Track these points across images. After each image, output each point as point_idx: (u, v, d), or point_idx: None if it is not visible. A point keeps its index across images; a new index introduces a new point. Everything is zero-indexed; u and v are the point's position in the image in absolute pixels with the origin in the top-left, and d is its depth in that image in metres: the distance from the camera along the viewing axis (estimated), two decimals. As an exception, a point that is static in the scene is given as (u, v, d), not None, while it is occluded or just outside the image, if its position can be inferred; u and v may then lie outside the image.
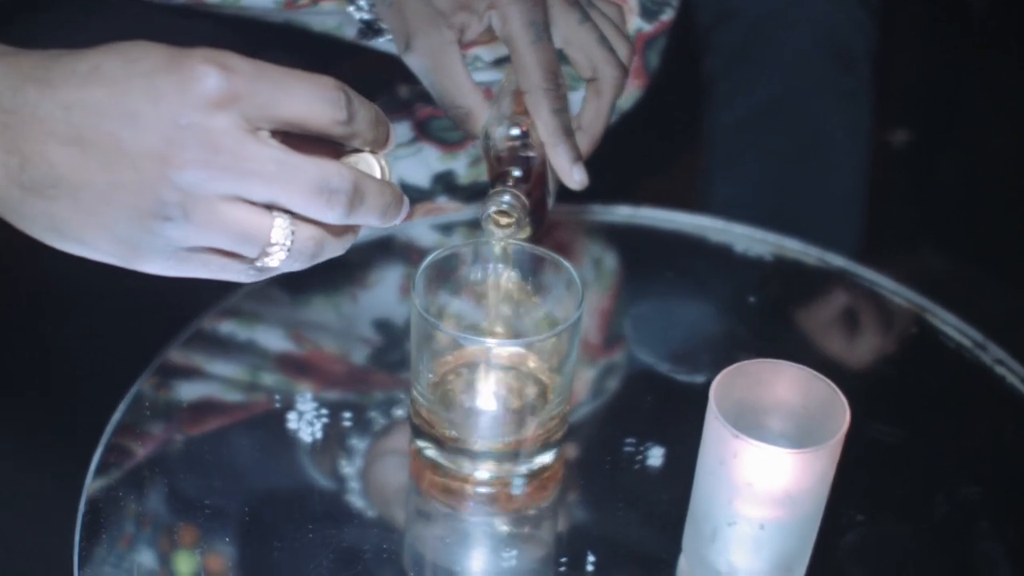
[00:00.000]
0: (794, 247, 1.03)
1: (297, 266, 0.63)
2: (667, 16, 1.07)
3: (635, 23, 1.05)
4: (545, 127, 0.80)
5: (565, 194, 0.84)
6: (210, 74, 0.58)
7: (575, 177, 0.81)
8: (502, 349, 0.79)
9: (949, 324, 0.94)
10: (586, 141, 0.84)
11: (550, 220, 0.99)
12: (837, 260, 1.01)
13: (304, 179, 0.60)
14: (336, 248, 0.64)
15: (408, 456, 0.84)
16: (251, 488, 0.83)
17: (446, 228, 1.06)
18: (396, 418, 0.88)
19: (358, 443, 0.86)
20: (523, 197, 0.77)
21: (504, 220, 0.78)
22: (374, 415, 0.88)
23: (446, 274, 0.80)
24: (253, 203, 0.60)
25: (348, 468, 0.84)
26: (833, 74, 1.35)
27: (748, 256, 1.04)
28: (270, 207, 0.60)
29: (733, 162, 1.41)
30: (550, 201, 0.83)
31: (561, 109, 0.80)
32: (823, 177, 1.37)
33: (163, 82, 0.58)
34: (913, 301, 0.97)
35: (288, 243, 0.61)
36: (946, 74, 1.69)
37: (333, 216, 0.61)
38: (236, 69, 0.59)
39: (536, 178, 0.80)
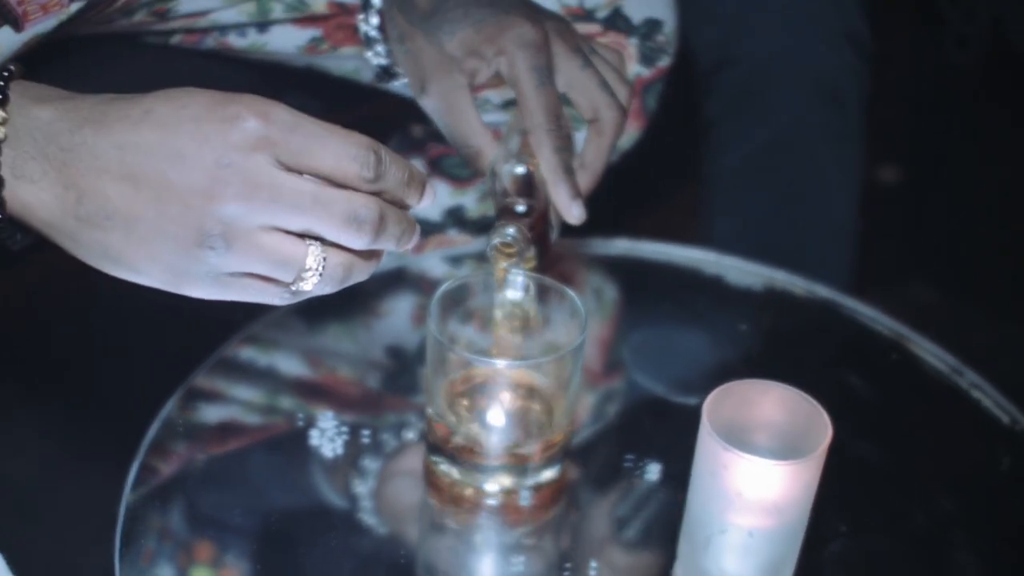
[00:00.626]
0: (783, 279, 1.08)
1: (328, 289, 0.68)
2: (664, 62, 1.11)
3: (634, 68, 1.09)
4: (547, 165, 0.84)
5: (568, 228, 0.88)
6: (250, 120, 0.63)
7: (574, 212, 0.85)
8: (511, 370, 0.84)
9: (928, 351, 0.99)
10: (588, 178, 0.89)
11: (554, 252, 1.04)
12: (823, 291, 1.06)
13: (335, 210, 0.65)
14: (363, 273, 0.69)
15: (420, 475, 0.88)
16: (269, 506, 0.87)
17: (456, 260, 1.11)
18: (408, 439, 0.92)
19: (372, 463, 0.90)
20: (526, 230, 0.82)
21: (508, 251, 0.83)
22: (387, 436, 0.92)
23: (458, 301, 0.85)
24: (289, 232, 0.65)
25: (362, 487, 0.88)
26: (826, 117, 1.39)
27: (739, 287, 1.08)
28: (304, 236, 0.66)
29: (732, 201, 1.45)
30: (553, 235, 0.88)
31: (563, 148, 0.84)
32: (817, 215, 1.41)
33: (208, 126, 0.64)
34: (894, 329, 1.02)
35: (320, 268, 0.66)
36: (934, 117, 1.73)
37: (360, 243, 0.66)
38: (275, 118, 0.64)
39: (539, 213, 0.85)
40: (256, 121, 0.64)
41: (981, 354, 1.00)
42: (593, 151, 0.88)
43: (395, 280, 1.08)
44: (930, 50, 1.65)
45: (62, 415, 1.10)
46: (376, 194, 0.67)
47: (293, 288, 0.67)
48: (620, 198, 1.14)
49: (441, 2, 0.89)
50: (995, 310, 1.66)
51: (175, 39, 1.03)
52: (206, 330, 0.98)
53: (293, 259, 0.65)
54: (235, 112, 0.64)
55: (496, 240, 0.82)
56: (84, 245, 0.66)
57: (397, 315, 1.06)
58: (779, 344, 1.04)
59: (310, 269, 0.66)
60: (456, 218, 1.14)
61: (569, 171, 0.84)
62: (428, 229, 1.14)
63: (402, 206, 0.69)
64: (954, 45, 1.58)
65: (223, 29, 1.02)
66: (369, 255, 0.69)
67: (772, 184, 1.40)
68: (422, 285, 1.08)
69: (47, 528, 1.02)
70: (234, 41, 1.03)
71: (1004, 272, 1.70)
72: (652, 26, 1.08)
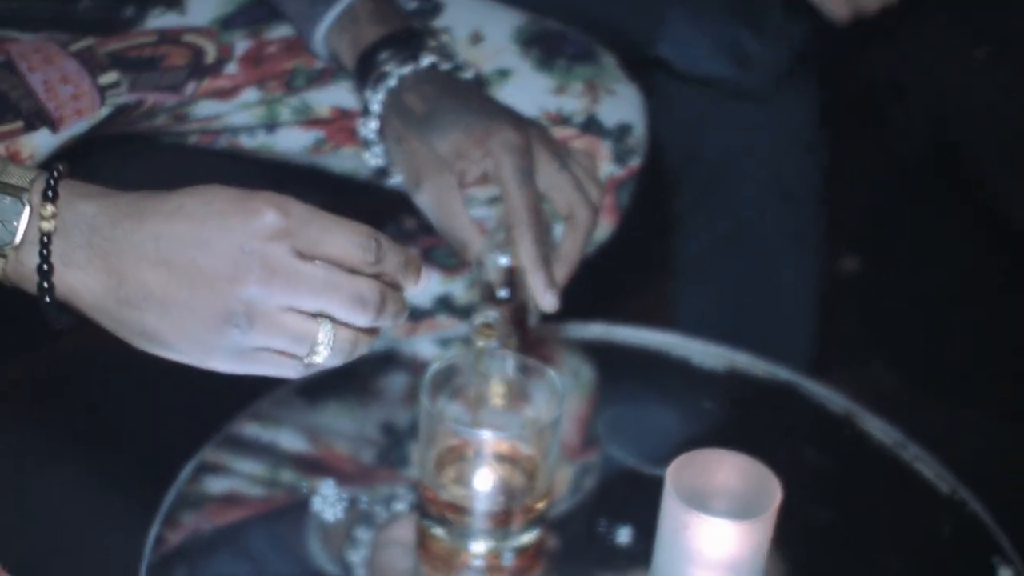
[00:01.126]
0: (744, 360, 1.15)
1: (337, 362, 0.75)
2: (635, 163, 1.18)
3: (608, 168, 1.16)
4: (527, 256, 0.92)
5: (547, 314, 0.95)
6: (269, 214, 0.71)
7: (548, 301, 0.92)
8: (495, 440, 0.92)
9: (876, 427, 1.07)
10: (564, 268, 0.96)
11: (534, 335, 1.11)
12: (781, 372, 1.14)
13: (344, 293, 0.73)
14: (366, 346, 0.76)
15: (410, 542, 0.95)
16: (269, 570, 0.94)
17: (445, 342, 1.18)
18: (398, 510, 0.99)
19: (365, 532, 0.97)
20: (507, 314, 0.91)
21: (489, 332, 0.91)
22: (379, 508, 0.99)
23: (447, 379, 0.92)
24: (303, 312, 0.73)
25: (355, 556, 0.95)
26: (782, 213, 1.48)
27: (703, 368, 1.15)
28: (316, 315, 0.73)
29: (697, 287, 1.53)
30: (531, 320, 0.95)
31: (541, 242, 0.92)
32: (775, 301, 1.49)
33: (232, 219, 0.71)
34: (845, 407, 1.10)
35: (331, 343, 0.74)
36: (889, 209, 1.82)
37: (365, 320, 0.74)
38: (291, 212, 0.72)
39: (519, 300, 0.94)
40: (275, 214, 0.71)
41: (937, 434, 1.08)
42: (568, 244, 0.96)
43: (388, 362, 1.15)
44: (879, 148, 1.74)
45: (91, 463, 1.16)
46: (377, 276, 0.74)
47: (306, 361, 0.74)
48: (596, 286, 1.21)
49: (434, 109, 0.97)
50: (950, 394, 1.72)
51: (191, 139, 1.13)
52: (216, 396, 1.06)
53: (307, 335, 0.73)
54: (256, 206, 0.72)
55: (479, 321, 0.90)
56: (123, 324, 0.73)
57: (390, 394, 1.12)
58: (739, 419, 1.12)
59: (322, 344, 0.73)
60: (445, 304, 1.21)
61: (546, 263, 0.92)
62: (419, 315, 1.21)
63: (398, 288, 0.77)
64: (900, 142, 1.68)
65: (235, 131, 1.12)
66: (371, 331, 0.76)
67: (733, 271, 1.49)
68: (413, 367, 1.15)
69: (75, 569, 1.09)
70: (245, 142, 1.12)
71: (960, 357, 1.76)
72: (623, 130, 1.17)
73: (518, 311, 0.93)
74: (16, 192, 0.72)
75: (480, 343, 0.91)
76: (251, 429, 1.06)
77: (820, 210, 1.50)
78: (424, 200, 0.97)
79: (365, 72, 1.00)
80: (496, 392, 0.94)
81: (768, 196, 1.47)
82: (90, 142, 1.03)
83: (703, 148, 1.51)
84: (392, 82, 0.98)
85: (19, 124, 0.97)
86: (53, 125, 0.98)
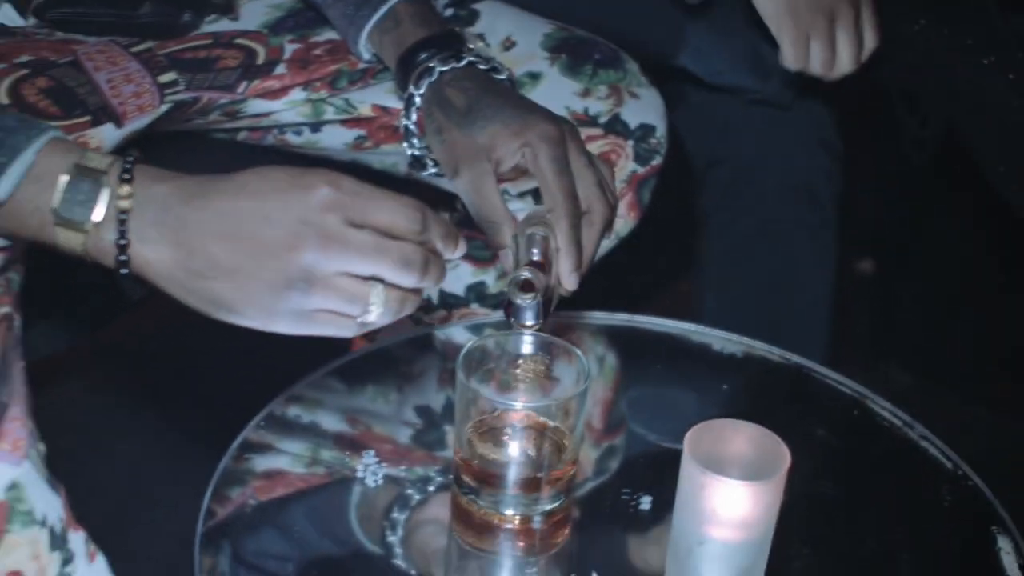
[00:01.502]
0: (760, 347, 1.20)
1: (388, 319, 0.82)
2: (656, 161, 1.25)
3: (630, 166, 1.22)
4: (562, 235, 0.97)
5: (574, 303, 1.01)
6: (323, 187, 0.79)
7: (571, 280, 0.97)
8: (525, 413, 0.97)
9: (885, 408, 1.12)
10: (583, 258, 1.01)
11: (564, 324, 1.17)
12: (795, 358, 1.19)
13: (392, 256, 0.80)
14: (412, 305, 0.84)
15: (445, 522, 0.99)
16: (310, 547, 0.99)
17: (477, 328, 1.23)
18: (433, 491, 1.04)
19: (401, 512, 1.01)
20: (540, 274, 0.95)
21: (528, 288, 0.95)
22: (414, 488, 1.04)
23: (481, 360, 0.97)
24: (356, 276, 0.80)
25: (392, 536, 1.00)
26: (802, 212, 1.54)
27: (723, 353, 1.20)
28: (368, 279, 0.80)
29: (722, 283, 1.58)
30: (554, 301, 0.99)
31: (576, 225, 0.97)
32: (792, 301, 1.54)
33: (290, 193, 0.79)
34: (855, 390, 1.15)
35: (382, 302, 0.81)
36: (903, 212, 1.87)
37: (411, 281, 0.81)
38: (343, 185, 0.80)
39: (545, 281, 0.97)
40: (328, 188, 0.79)
41: (944, 428, 1.12)
42: (585, 238, 1.00)
43: (423, 348, 1.20)
44: (891, 153, 1.79)
45: (151, 432, 1.23)
46: (420, 244, 0.82)
47: (360, 320, 0.82)
48: (621, 282, 1.26)
49: (474, 103, 1.03)
50: (964, 391, 1.78)
51: (241, 135, 1.20)
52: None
53: (360, 296, 0.81)
54: (311, 181, 0.80)
55: (521, 276, 0.95)
56: (193, 292, 0.81)
57: (426, 378, 1.18)
58: (755, 399, 1.17)
59: (374, 303, 0.81)
60: (478, 293, 1.29)
61: (578, 245, 0.97)
62: (453, 303, 1.28)
63: (438, 255, 0.84)
64: (912, 148, 1.73)
65: (282, 128, 1.19)
66: (416, 291, 0.84)
67: (753, 271, 1.54)
68: (448, 351, 1.20)
69: (141, 532, 1.15)
70: (291, 138, 1.20)
71: (973, 355, 1.82)
72: (645, 130, 1.23)
73: (545, 292, 0.98)
74: (96, 175, 0.79)
75: (519, 300, 0.95)
76: (292, 410, 1.11)
77: (837, 212, 1.55)
78: (461, 186, 1.02)
79: (407, 68, 1.06)
80: (526, 370, 0.99)
81: (788, 197, 1.53)
82: (149, 137, 1.11)
83: (726, 152, 1.56)
84: (434, 77, 1.04)
85: (87, 118, 1.04)
86: (117, 120, 1.06)
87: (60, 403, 1.29)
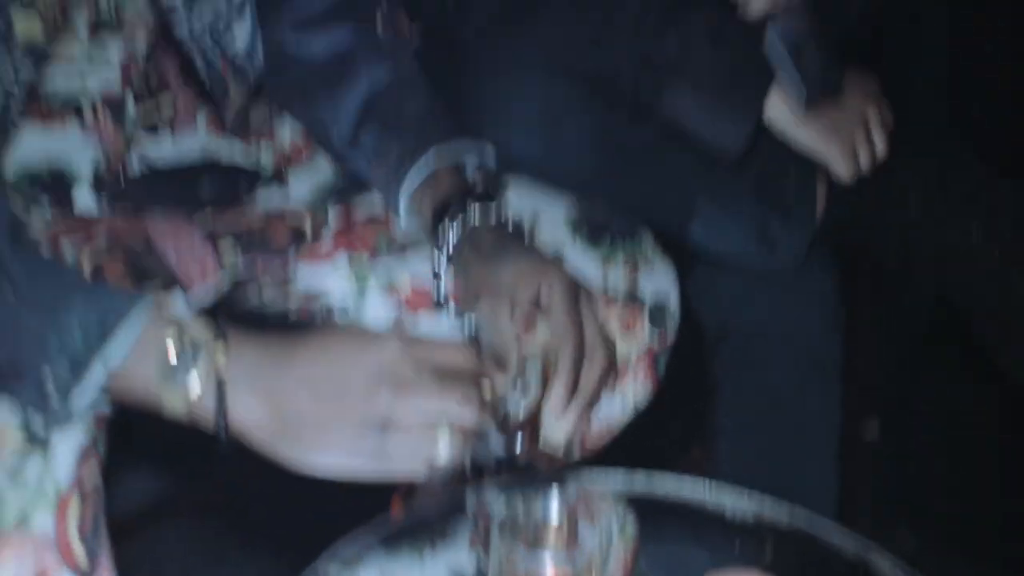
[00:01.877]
0: (770, 510, 1.25)
1: (453, 459, 0.92)
2: (670, 334, 1.33)
3: (645, 340, 1.31)
4: (563, 364, 1.09)
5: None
6: (393, 343, 0.91)
7: (559, 406, 1.10)
8: (554, 569, 1.02)
9: (888, 568, 1.20)
10: (580, 400, 1.13)
11: (582, 489, 1.23)
12: (802, 523, 1.24)
13: (456, 393, 0.91)
14: (470, 446, 0.94)
15: None
16: None
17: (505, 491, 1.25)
18: None
19: None
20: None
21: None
22: None
23: (512, 523, 1.04)
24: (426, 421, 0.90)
25: None
26: (808, 380, 1.62)
27: (735, 517, 1.26)
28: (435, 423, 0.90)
29: (734, 454, 1.66)
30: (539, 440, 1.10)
31: (578, 359, 1.09)
32: (801, 467, 1.61)
33: (367, 349, 0.91)
34: (859, 549, 1.20)
35: (448, 442, 0.91)
36: (906, 376, 1.94)
37: (472, 417, 0.92)
38: (407, 339, 0.91)
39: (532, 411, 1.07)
40: (396, 343, 0.91)
41: None
42: (584, 376, 1.12)
43: (456, 511, 1.20)
44: (892, 317, 1.87)
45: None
46: (480, 376, 0.93)
47: (429, 459, 0.91)
48: (638, 452, 1.33)
49: (500, 248, 1.16)
50: (974, 553, 1.83)
51: (291, 317, 1.31)
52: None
53: (431, 436, 0.90)
54: (383, 340, 0.92)
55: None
56: (282, 444, 0.90)
57: (457, 539, 1.19)
58: (765, 558, 1.22)
59: (442, 443, 0.91)
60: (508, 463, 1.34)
61: (575, 375, 1.09)
62: (481, 470, 1.34)
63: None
64: (907, 314, 1.81)
65: (330, 309, 1.30)
66: (475, 433, 0.93)
67: (762, 440, 1.62)
68: (476, 515, 1.19)
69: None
70: (338, 316, 1.31)
71: (985, 519, 1.88)
72: (659, 304, 1.33)
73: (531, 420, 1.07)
74: (195, 345, 0.89)
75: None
76: (333, 569, 1.13)
77: (842, 377, 1.63)
78: (479, 315, 1.14)
79: (443, 213, 1.19)
80: (552, 532, 1.06)
81: (795, 365, 1.61)
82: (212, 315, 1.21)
83: (734, 324, 1.65)
84: (470, 218, 1.17)
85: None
86: (184, 290, 1.17)
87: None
